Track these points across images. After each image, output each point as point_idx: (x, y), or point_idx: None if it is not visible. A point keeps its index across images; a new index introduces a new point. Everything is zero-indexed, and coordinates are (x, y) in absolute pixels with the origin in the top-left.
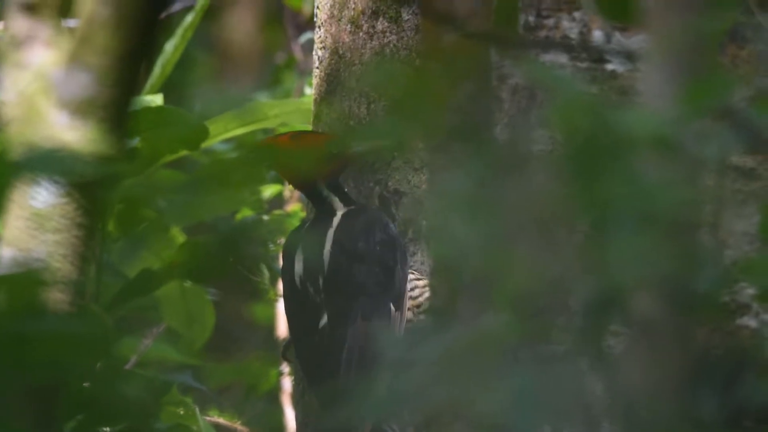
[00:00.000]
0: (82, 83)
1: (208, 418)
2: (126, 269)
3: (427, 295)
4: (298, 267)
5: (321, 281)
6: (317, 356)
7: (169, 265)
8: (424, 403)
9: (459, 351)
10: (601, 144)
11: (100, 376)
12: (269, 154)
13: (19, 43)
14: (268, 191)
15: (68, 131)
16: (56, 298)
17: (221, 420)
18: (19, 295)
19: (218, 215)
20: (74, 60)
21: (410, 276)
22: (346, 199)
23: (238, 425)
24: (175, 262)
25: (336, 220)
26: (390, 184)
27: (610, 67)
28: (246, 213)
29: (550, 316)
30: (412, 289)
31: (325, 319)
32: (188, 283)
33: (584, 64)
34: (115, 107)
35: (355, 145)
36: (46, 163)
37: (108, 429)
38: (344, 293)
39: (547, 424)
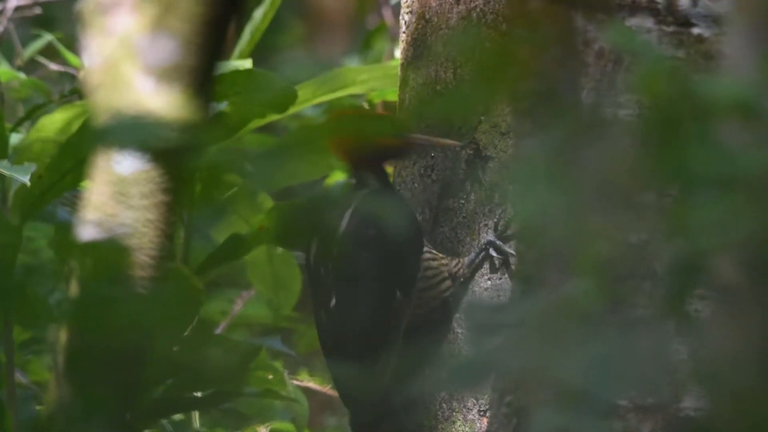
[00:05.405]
0: (167, 49)
1: (297, 382)
2: (215, 234)
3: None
4: (314, 248)
5: (330, 265)
6: (329, 334)
7: (257, 230)
8: (508, 370)
9: (543, 317)
10: (684, 109)
11: (189, 341)
12: (343, 125)
13: (104, 9)
14: None
15: (153, 97)
16: (144, 263)
17: (311, 384)
18: (106, 261)
19: (307, 180)
20: (159, 26)
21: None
22: (381, 178)
23: (327, 389)
24: (263, 227)
25: (354, 204)
26: (477, 148)
27: (696, 31)
28: (338, 177)
29: (635, 281)
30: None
31: (334, 301)
32: (277, 249)
33: (670, 28)
34: (200, 73)
35: (414, 132)
36: (131, 131)
37: (197, 393)
38: (351, 279)
39: (631, 390)
